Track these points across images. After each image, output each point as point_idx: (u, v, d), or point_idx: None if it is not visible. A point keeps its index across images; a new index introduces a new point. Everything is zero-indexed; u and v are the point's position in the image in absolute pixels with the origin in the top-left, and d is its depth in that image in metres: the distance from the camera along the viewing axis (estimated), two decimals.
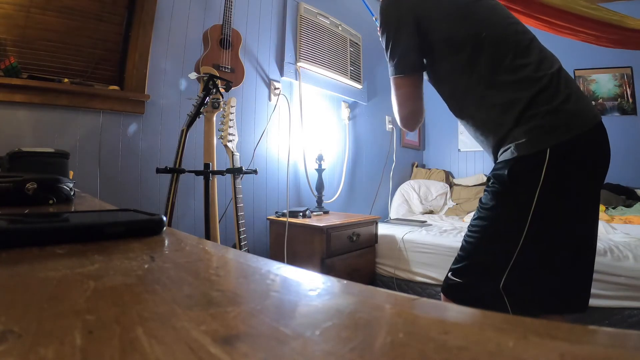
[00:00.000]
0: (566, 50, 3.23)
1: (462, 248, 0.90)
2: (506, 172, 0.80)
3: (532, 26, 2.23)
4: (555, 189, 0.76)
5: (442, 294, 0.93)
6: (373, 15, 1.49)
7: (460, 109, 0.91)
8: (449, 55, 0.86)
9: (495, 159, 0.86)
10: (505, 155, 0.81)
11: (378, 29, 0.95)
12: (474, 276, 0.86)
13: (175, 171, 1.21)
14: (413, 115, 0.95)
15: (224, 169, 1.31)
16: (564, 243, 0.81)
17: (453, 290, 0.89)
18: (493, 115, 0.83)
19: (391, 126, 3.17)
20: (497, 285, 0.81)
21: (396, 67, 0.90)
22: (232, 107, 1.35)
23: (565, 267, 0.82)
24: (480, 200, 0.88)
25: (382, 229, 2.17)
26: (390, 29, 0.89)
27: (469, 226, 0.89)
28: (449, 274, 0.90)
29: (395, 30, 0.88)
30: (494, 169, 0.85)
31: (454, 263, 0.90)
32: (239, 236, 1.32)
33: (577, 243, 0.83)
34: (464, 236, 0.90)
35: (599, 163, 0.81)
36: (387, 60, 0.92)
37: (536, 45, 0.85)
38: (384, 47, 0.92)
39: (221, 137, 1.35)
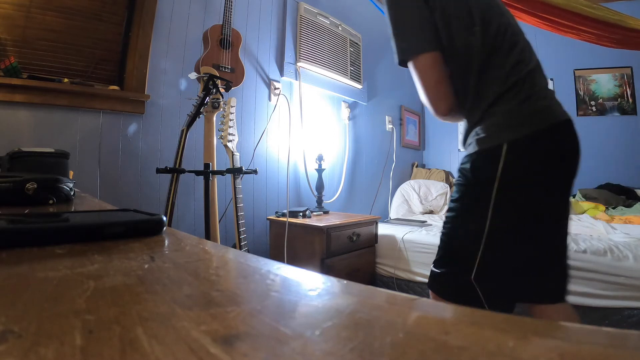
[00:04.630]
0: (566, 50, 3.24)
1: (440, 240, 0.93)
2: (469, 165, 0.83)
3: (535, 25, 2.24)
4: (515, 183, 0.78)
5: (429, 290, 0.94)
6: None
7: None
8: (446, 41, 0.83)
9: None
10: (469, 149, 0.85)
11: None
12: (449, 267, 0.88)
13: (175, 171, 1.21)
14: (435, 102, 0.86)
15: (224, 169, 1.31)
16: (531, 237, 0.82)
17: (433, 281, 0.91)
18: (466, 111, 0.86)
19: (391, 126, 3.17)
20: (468, 277, 0.82)
21: (411, 47, 0.83)
22: (232, 107, 1.35)
23: (535, 259, 0.83)
24: (451, 195, 0.92)
25: (382, 229, 2.17)
26: (398, 7, 0.84)
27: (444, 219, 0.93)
28: (432, 266, 0.93)
29: (403, 7, 0.83)
30: (460, 164, 0.88)
31: (435, 256, 0.93)
32: (239, 236, 1.32)
33: (545, 237, 0.83)
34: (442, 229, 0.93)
35: (564, 160, 0.81)
36: (395, 45, 0.85)
37: (520, 46, 0.85)
38: (392, 30, 0.85)
39: (221, 137, 1.35)
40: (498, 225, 0.79)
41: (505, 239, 0.80)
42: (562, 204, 0.84)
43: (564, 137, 0.81)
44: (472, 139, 0.84)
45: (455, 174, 0.93)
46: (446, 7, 0.82)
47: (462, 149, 0.91)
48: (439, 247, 0.92)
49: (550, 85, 3.28)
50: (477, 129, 0.82)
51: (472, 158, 0.83)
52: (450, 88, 0.86)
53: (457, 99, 0.87)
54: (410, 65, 0.85)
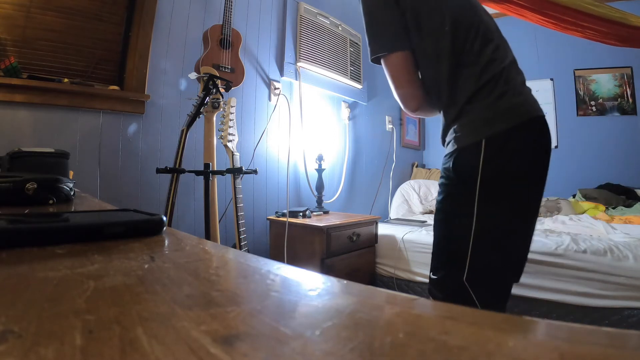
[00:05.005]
0: (566, 50, 3.24)
1: (432, 245, 0.94)
2: (451, 164, 0.84)
3: (538, 23, 2.23)
4: (496, 178, 0.79)
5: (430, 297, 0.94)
6: None
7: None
8: (417, 41, 0.86)
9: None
10: (448, 148, 0.86)
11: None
12: (443, 271, 0.89)
13: (175, 171, 1.21)
14: (405, 94, 0.90)
15: (224, 169, 1.31)
16: (515, 231, 0.83)
17: (432, 287, 0.92)
18: (443, 108, 0.88)
19: (391, 126, 3.17)
20: (461, 279, 0.82)
21: (379, 46, 0.87)
22: (232, 107, 1.35)
23: (519, 253, 0.86)
24: (437, 197, 0.92)
25: (382, 229, 2.17)
26: (371, 7, 0.87)
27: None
28: (430, 273, 0.93)
29: (375, 7, 0.86)
30: (442, 163, 0.89)
31: (431, 262, 0.94)
32: (239, 236, 1.32)
33: (526, 230, 0.85)
34: None
35: (537, 153, 0.83)
36: (368, 43, 0.89)
37: (494, 43, 0.85)
38: (365, 29, 0.89)
39: (221, 137, 1.35)
40: (484, 221, 0.79)
41: (492, 235, 0.81)
42: (539, 197, 0.85)
43: (539, 132, 0.82)
44: (450, 137, 0.85)
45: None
46: (417, 8, 0.84)
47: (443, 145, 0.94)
48: (432, 252, 0.93)
49: (550, 85, 3.30)
50: (455, 127, 0.84)
51: (453, 157, 0.84)
52: (420, 86, 0.89)
53: (429, 95, 0.89)
54: (382, 63, 0.88)
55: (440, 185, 0.90)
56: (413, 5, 0.84)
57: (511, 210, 0.82)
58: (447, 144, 0.87)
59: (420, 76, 0.89)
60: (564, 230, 2.07)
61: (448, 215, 0.88)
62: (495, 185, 0.80)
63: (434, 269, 0.92)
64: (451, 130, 0.85)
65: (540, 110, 0.84)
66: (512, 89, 0.82)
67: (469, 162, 0.81)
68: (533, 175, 0.83)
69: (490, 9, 2.32)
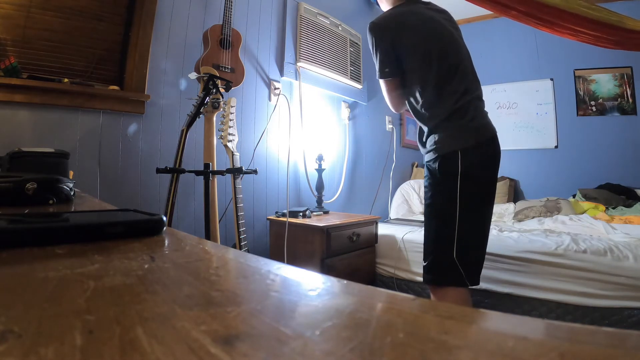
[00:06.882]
0: (566, 50, 3.24)
1: (424, 237, 1.17)
2: (437, 166, 1.11)
3: (532, 27, 2.23)
4: (470, 177, 1.07)
5: (428, 287, 1.16)
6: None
7: (413, 109, 1.23)
8: (410, 69, 1.17)
9: (425, 153, 1.19)
10: (430, 154, 1.15)
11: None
12: (432, 255, 1.13)
13: (175, 171, 1.21)
14: (392, 104, 1.29)
15: (224, 169, 1.31)
16: (483, 215, 1.12)
17: (426, 274, 1.14)
18: (425, 117, 1.16)
19: (391, 126, 3.17)
20: (452, 257, 1.06)
21: (378, 72, 1.23)
22: (232, 107, 1.35)
23: (485, 234, 1.13)
24: (424, 195, 1.19)
25: (382, 229, 2.17)
26: (374, 44, 1.20)
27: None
28: (423, 264, 1.16)
29: (377, 47, 1.19)
30: (427, 167, 1.16)
31: (423, 254, 1.17)
32: (239, 236, 1.32)
33: (489, 215, 1.14)
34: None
35: (494, 162, 1.15)
36: (376, 67, 1.23)
37: (469, 78, 1.16)
38: (374, 56, 1.23)
39: (221, 137, 1.35)
40: (464, 208, 1.07)
41: (469, 218, 1.08)
42: (495, 190, 1.18)
43: (495, 145, 1.15)
44: (432, 146, 1.14)
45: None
46: (413, 48, 1.15)
47: (421, 147, 1.23)
48: (424, 243, 1.16)
49: (550, 85, 3.31)
50: (437, 138, 1.12)
51: (438, 161, 1.11)
52: (403, 100, 1.26)
53: (410, 103, 1.23)
54: (381, 81, 1.26)
55: (428, 185, 1.16)
56: (411, 45, 1.15)
57: (482, 200, 1.11)
58: (429, 151, 1.15)
59: (406, 91, 1.22)
60: (564, 230, 2.07)
61: (437, 208, 1.12)
62: (470, 182, 1.07)
63: (425, 257, 1.15)
64: (432, 137, 1.14)
65: (495, 130, 1.16)
66: (479, 114, 1.14)
67: (451, 165, 1.08)
68: (492, 175, 1.15)
69: (486, 10, 2.32)
